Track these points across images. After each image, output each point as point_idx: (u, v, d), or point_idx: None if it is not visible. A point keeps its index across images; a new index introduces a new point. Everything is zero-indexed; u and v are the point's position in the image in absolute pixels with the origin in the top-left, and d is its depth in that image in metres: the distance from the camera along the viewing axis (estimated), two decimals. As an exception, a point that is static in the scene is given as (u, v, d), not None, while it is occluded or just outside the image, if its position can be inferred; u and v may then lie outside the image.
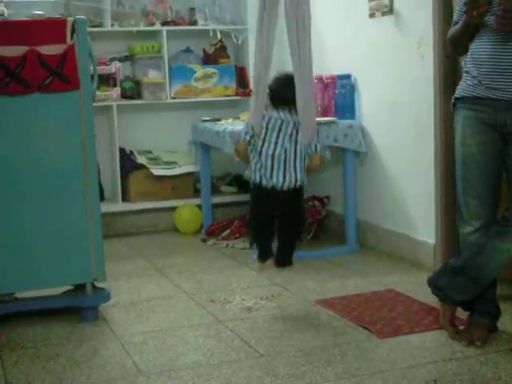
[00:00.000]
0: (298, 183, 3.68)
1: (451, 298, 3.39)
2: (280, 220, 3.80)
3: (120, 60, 5.90)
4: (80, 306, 3.78)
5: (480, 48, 3.17)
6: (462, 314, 3.47)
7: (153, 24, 5.86)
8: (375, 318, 3.63)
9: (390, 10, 4.67)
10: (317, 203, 5.46)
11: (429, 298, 3.71)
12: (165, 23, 5.90)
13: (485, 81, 3.15)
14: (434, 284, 3.45)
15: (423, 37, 4.36)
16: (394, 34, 4.68)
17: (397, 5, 4.63)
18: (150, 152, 6.04)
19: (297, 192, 3.74)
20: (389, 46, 4.74)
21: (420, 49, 4.41)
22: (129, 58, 6.00)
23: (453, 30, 3.31)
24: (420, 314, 3.68)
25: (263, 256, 3.82)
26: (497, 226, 3.25)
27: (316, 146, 3.68)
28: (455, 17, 3.33)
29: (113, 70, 5.72)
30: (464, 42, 3.25)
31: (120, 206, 5.84)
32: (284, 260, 3.84)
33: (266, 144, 3.65)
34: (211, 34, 6.02)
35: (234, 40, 6.00)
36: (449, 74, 4.18)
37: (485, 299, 3.37)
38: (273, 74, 3.71)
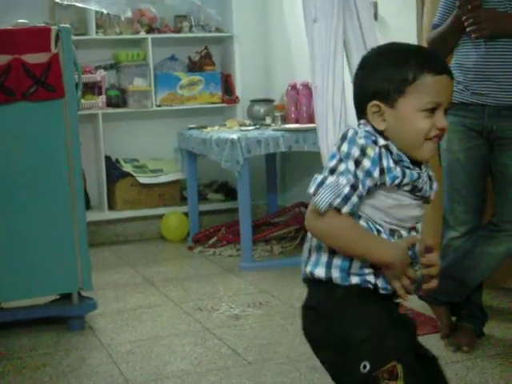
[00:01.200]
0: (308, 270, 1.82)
1: (439, 301, 3.39)
2: None
3: (105, 68, 5.89)
4: (66, 316, 3.76)
5: (465, 54, 3.18)
6: (449, 319, 3.48)
7: (138, 32, 5.85)
8: (362, 325, 3.62)
9: (374, 17, 4.68)
10: (304, 210, 5.46)
11: (416, 303, 3.71)
12: (150, 31, 5.89)
13: (471, 87, 3.16)
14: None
15: (408, 42, 4.37)
16: (378, 40, 4.69)
17: (381, 11, 4.65)
18: (136, 160, 6.03)
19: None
20: (374, 53, 4.74)
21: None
22: (114, 66, 5.99)
23: (437, 31, 3.29)
24: (407, 319, 3.68)
25: None
26: (484, 230, 3.26)
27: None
28: (436, 20, 3.32)
29: (98, 78, 5.71)
30: (452, 42, 3.23)
31: (106, 215, 5.82)
32: None
33: None
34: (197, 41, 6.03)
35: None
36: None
37: (471, 304, 3.37)
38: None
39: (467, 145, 3.22)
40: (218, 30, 6.06)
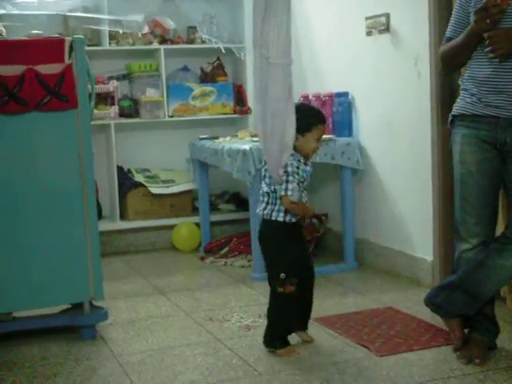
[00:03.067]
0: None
1: (451, 313, 3.38)
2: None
3: (118, 78, 5.92)
4: (78, 325, 3.77)
5: (479, 67, 3.18)
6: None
7: (150, 43, 5.88)
8: (374, 336, 3.62)
9: (386, 28, 4.69)
10: (315, 221, 5.46)
11: (427, 315, 3.71)
12: (162, 42, 5.92)
13: (484, 99, 3.15)
14: (432, 302, 3.44)
15: (420, 54, 4.38)
16: (390, 52, 4.70)
17: (393, 23, 4.65)
18: (147, 170, 6.05)
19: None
20: (386, 64, 4.75)
21: (417, 66, 4.43)
22: (127, 77, 6.02)
23: (450, 44, 3.29)
24: (418, 331, 3.67)
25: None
26: (496, 243, 3.25)
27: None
28: (449, 33, 3.33)
29: (111, 89, 5.74)
30: (466, 55, 3.24)
31: (118, 225, 5.84)
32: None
33: None
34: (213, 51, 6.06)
35: (237, 54, 6.00)
36: (446, 91, 4.19)
37: (483, 316, 3.36)
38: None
39: (480, 157, 3.22)
40: (230, 41, 6.07)
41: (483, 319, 3.36)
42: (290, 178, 3.34)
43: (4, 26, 4.04)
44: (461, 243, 3.33)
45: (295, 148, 3.36)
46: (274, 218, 3.44)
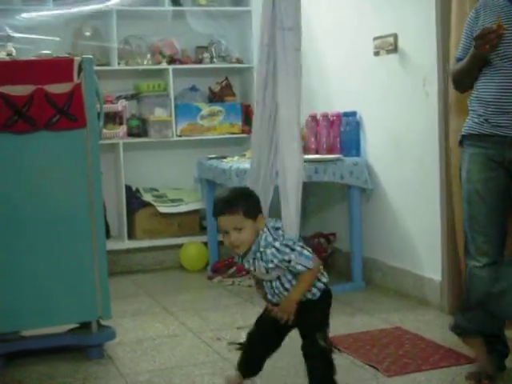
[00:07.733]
0: None
1: (469, 331, 3.33)
2: None
3: (126, 98, 5.93)
4: (85, 344, 3.76)
5: (485, 87, 3.20)
6: (464, 349, 3.44)
7: (159, 62, 5.91)
8: (382, 356, 3.61)
9: (394, 48, 4.70)
10: (322, 240, 5.45)
11: (436, 336, 3.70)
12: (171, 61, 5.95)
13: (491, 119, 3.17)
14: (457, 326, 3.38)
15: (428, 74, 4.39)
16: (398, 72, 4.71)
17: (401, 43, 4.67)
18: (155, 190, 6.06)
19: None
20: (394, 84, 4.76)
21: (425, 87, 4.43)
22: (135, 96, 6.04)
23: (458, 66, 3.34)
24: (427, 352, 3.65)
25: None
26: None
27: None
28: (459, 54, 3.37)
29: (119, 108, 5.76)
30: (472, 77, 3.28)
31: (126, 244, 5.84)
32: None
33: None
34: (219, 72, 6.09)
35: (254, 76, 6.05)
36: (453, 111, 4.20)
37: (493, 337, 3.34)
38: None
39: (486, 175, 3.22)
40: (238, 61, 6.10)
41: (493, 340, 3.34)
42: None
43: (14, 47, 4.07)
44: (471, 261, 3.32)
45: None
46: None
